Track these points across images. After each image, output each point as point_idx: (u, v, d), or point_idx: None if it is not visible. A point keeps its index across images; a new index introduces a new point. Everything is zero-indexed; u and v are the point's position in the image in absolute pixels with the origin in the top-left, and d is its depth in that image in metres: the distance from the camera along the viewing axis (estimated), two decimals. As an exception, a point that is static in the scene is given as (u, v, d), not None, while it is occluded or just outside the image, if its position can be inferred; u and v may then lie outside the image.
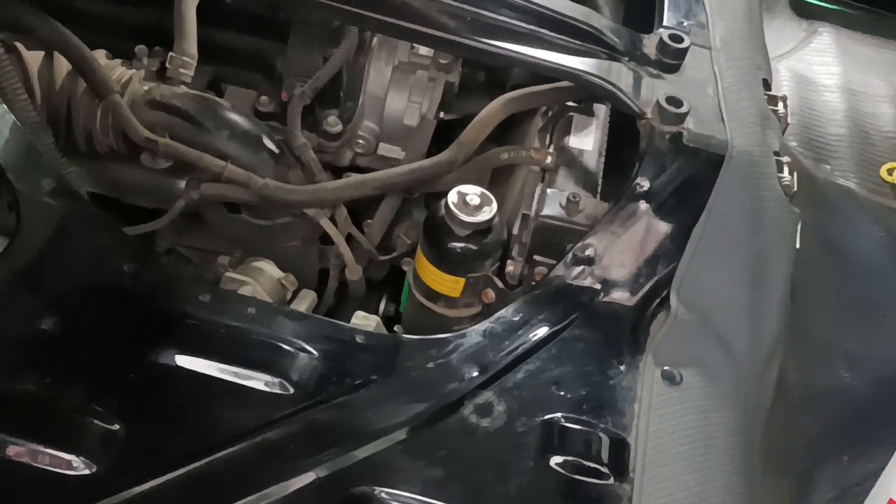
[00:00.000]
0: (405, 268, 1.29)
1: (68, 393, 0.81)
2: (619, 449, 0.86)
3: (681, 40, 1.14)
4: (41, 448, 0.76)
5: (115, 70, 1.12)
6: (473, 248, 1.06)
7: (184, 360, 0.85)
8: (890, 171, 1.89)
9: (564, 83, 1.20)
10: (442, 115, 1.35)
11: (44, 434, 0.77)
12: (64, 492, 0.75)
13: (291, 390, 0.85)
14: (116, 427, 0.78)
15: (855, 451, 1.36)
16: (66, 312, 0.85)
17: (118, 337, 0.86)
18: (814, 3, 2.46)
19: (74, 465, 0.76)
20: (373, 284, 1.34)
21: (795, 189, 1.07)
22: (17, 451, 0.75)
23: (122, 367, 0.83)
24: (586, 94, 1.21)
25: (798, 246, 1.10)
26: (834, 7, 2.46)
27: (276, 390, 0.85)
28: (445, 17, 1.08)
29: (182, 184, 1.18)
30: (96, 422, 0.79)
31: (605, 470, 0.84)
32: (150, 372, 0.84)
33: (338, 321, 0.95)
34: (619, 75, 1.10)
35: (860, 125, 2.04)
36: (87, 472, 0.76)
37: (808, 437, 1.34)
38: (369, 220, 1.27)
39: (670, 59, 1.14)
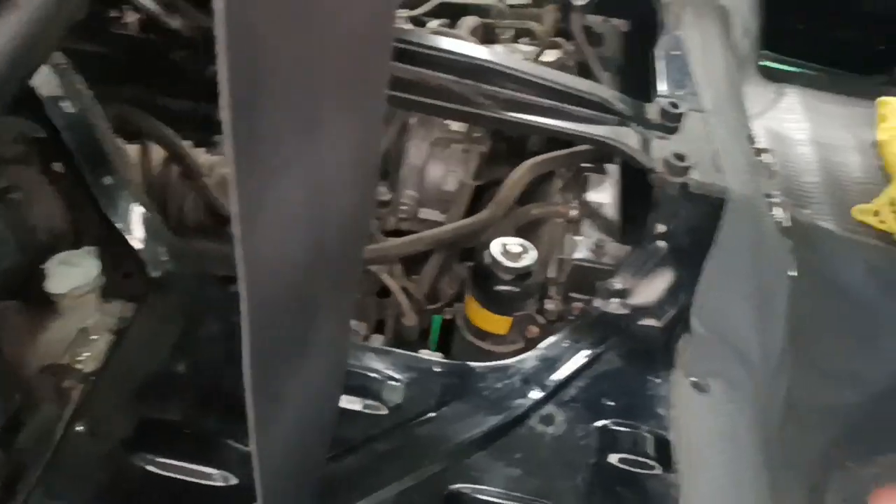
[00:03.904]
0: (447, 316, 1.46)
1: (205, 420, 0.96)
2: (664, 446, 1.02)
3: (678, 106, 1.35)
4: (188, 465, 0.91)
5: (200, 157, 1.31)
6: (517, 290, 1.24)
7: (295, 391, 1.01)
8: (862, 212, 2.10)
9: (580, 148, 1.40)
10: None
11: (190, 454, 0.92)
12: (212, 499, 0.90)
13: (386, 411, 1.01)
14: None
15: (860, 460, 1.52)
16: (194, 355, 1.01)
17: (239, 373, 1.02)
18: (780, 68, 2.72)
19: (215, 477, 0.91)
20: (420, 333, 1.51)
21: (789, 224, 1.27)
22: (170, 467, 0.91)
23: (245, 398, 0.99)
24: (599, 155, 1.41)
25: (795, 273, 1.29)
26: (798, 70, 2.72)
27: (374, 411, 1.01)
28: (480, 98, 1.29)
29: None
30: (231, 442, 0.94)
31: (653, 463, 1.00)
32: (269, 401, 0.99)
33: (416, 354, 1.12)
34: (630, 137, 1.30)
35: (832, 173, 2.27)
36: (230, 483, 0.91)
37: (818, 449, 1.51)
38: (415, 276, 1.45)
39: (670, 123, 1.34)
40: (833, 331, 1.67)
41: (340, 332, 0.47)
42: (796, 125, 2.47)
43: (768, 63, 2.74)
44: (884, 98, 2.39)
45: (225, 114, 0.28)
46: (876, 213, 2.10)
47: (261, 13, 0.27)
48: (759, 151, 1.39)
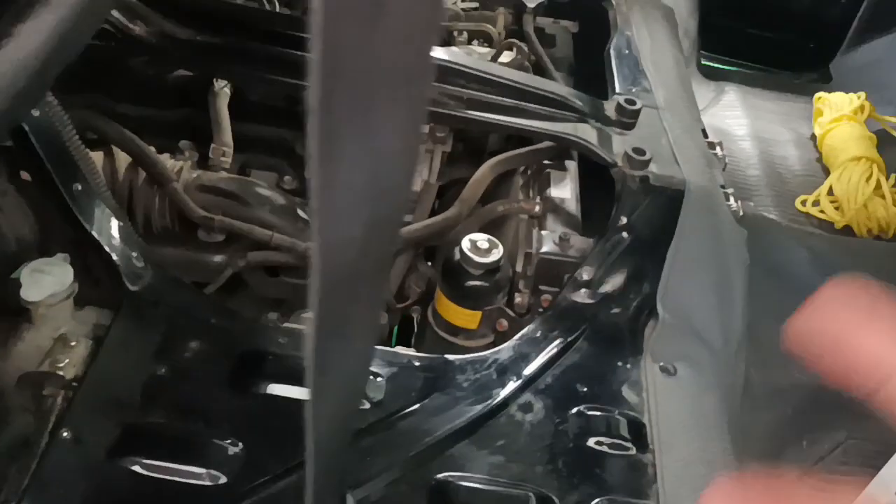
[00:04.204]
0: (414, 314, 1.48)
1: (188, 423, 0.96)
2: (638, 427, 1.06)
3: (634, 103, 1.40)
4: (176, 466, 0.92)
5: (166, 162, 1.31)
6: (487, 284, 1.27)
7: (276, 389, 1.02)
8: (803, 203, 2.20)
9: (539, 145, 1.44)
10: (435, 181, 1.57)
11: (177, 455, 0.92)
12: (202, 499, 0.90)
13: (369, 405, 1.02)
14: (238, 446, 0.94)
15: (812, 436, 1.59)
16: (174, 359, 1.01)
17: (219, 375, 1.02)
18: (718, 67, 2.82)
19: (204, 477, 0.92)
20: (387, 332, 1.52)
21: (742, 213, 1.32)
22: (159, 469, 0.91)
23: (227, 399, 1.00)
24: (558, 152, 1.45)
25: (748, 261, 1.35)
26: (735, 69, 2.82)
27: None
28: (445, 98, 1.32)
29: (217, 258, 1.35)
30: (217, 442, 0.95)
31: (629, 444, 1.04)
32: (252, 400, 1.00)
33: (394, 350, 1.13)
34: (590, 134, 1.34)
35: (773, 167, 2.36)
36: (219, 482, 0.91)
37: (772, 426, 1.57)
38: (382, 276, 1.47)
39: (628, 119, 1.39)
40: (780, 316, 1.74)
41: (377, 313, 0.50)
42: (736, 121, 2.56)
43: (707, 62, 2.83)
44: (821, 94, 2.50)
45: (313, 103, 0.31)
46: (816, 204, 2.19)
47: (343, 6, 0.29)
48: (713, 145, 1.45)
